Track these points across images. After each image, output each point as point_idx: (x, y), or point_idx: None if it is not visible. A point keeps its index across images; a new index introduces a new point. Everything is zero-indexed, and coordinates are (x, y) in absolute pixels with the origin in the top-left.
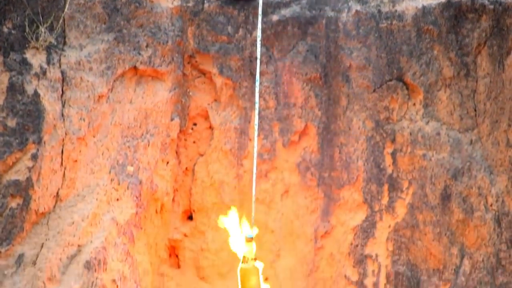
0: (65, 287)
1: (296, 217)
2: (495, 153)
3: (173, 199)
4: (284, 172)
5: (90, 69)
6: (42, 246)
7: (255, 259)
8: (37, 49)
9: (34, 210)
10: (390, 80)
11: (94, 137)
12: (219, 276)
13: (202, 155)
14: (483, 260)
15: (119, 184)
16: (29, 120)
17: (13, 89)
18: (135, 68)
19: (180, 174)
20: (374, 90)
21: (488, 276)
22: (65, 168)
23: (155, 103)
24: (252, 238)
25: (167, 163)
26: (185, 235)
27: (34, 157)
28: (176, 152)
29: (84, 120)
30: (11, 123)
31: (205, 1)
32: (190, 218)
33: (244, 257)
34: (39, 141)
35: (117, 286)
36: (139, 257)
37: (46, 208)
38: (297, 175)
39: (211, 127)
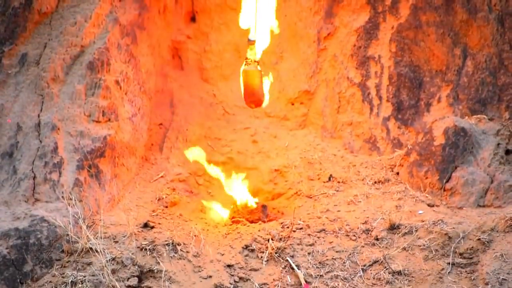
0: (69, 87)
1: (299, 19)
2: None
3: (176, 0)
4: None
5: None
6: (45, 46)
7: (258, 61)
8: None
9: (36, 9)
10: None
11: None
12: (222, 77)
13: None
14: (485, 61)
15: None
16: None
17: None
18: None
19: None
20: None
21: (491, 76)
22: None
23: None
24: (254, 40)
25: None
26: (188, 37)
27: None
28: None
29: None
30: None
31: None
32: (193, 19)
33: (246, 59)
34: None
35: (121, 87)
36: (142, 58)
37: (48, 8)
38: None
39: None
